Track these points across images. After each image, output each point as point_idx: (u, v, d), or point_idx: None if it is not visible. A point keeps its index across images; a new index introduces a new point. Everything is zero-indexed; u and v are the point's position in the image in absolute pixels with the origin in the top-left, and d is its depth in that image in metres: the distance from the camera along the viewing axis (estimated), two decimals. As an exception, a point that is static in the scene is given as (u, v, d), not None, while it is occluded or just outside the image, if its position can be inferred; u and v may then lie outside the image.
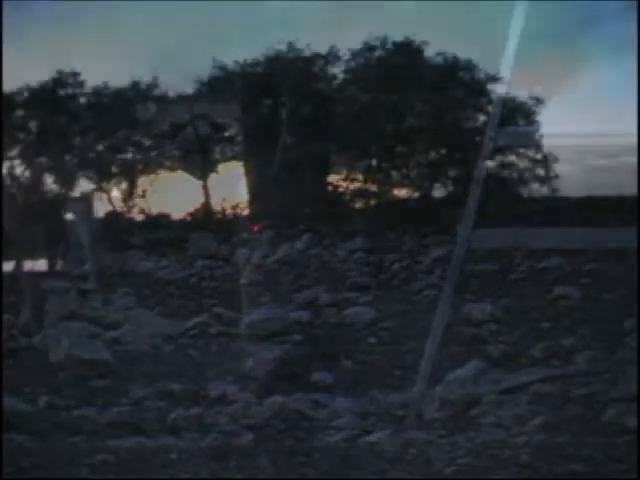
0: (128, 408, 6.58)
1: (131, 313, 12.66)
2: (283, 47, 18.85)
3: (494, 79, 18.77)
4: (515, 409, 6.42)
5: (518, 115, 18.85)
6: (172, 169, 21.42)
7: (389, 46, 18.84)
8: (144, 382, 7.67)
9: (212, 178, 20.26)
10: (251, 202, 18.50)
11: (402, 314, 12.58)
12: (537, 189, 19.34)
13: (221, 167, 19.97)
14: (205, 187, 20.38)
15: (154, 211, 21.90)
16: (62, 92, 23.09)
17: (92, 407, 6.63)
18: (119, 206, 22.75)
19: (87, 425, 6.03)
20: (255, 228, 16.16)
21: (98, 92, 23.26)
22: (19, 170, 23.70)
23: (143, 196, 21.91)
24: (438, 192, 20.08)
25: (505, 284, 15.78)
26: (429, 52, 18.85)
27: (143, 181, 21.77)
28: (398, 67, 18.55)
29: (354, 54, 18.99)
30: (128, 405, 6.72)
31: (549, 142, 18.77)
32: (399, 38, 18.86)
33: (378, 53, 18.93)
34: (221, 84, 18.73)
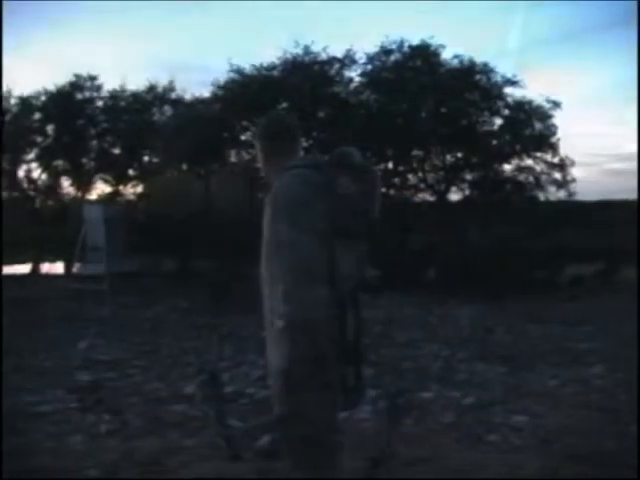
0: (143, 409, 6.60)
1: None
2: (299, 50, 18.88)
3: (511, 82, 18.78)
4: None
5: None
6: (186, 172, 21.46)
7: (405, 49, 18.81)
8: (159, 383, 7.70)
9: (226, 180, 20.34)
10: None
11: (412, 316, 12.60)
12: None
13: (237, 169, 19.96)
14: (219, 190, 20.42)
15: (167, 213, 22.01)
16: (79, 95, 23.24)
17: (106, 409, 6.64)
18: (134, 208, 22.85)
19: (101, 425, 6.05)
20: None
21: (115, 96, 23.40)
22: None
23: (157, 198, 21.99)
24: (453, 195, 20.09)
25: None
26: (446, 55, 18.83)
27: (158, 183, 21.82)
28: (414, 70, 18.54)
29: (370, 57, 18.97)
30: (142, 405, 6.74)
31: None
32: (415, 41, 18.86)
33: (394, 56, 18.89)
34: (237, 87, 18.73)
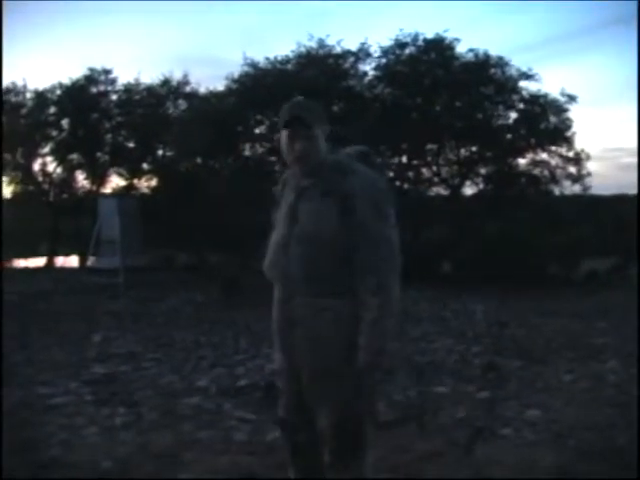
0: (157, 402, 6.61)
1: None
2: (314, 44, 18.91)
3: (526, 76, 18.70)
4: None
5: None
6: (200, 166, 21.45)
7: (420, 43, 18.76)
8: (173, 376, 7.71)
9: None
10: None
11: (426, 311, 12.57)
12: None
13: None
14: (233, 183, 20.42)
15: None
16: (94, 89, 23.32)
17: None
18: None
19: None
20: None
21: (130, 89, 23.47)
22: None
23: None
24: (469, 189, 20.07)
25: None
26: (460, 48, 18.77)
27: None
28: (429, 63, 18.51)
29: (385, 51, 18.94)
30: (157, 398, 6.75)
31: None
32: (430, 34, 18.82)
33: (409, 50, 18.86)
34: (251, 81, 18.74)
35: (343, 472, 3.34)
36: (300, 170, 3.39)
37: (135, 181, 23.77)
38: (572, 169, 19.04)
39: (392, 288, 3.22)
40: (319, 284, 3.26)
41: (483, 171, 19.84)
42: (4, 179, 23.49)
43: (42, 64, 45.32)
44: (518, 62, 19.65)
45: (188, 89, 23.55)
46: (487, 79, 18.71)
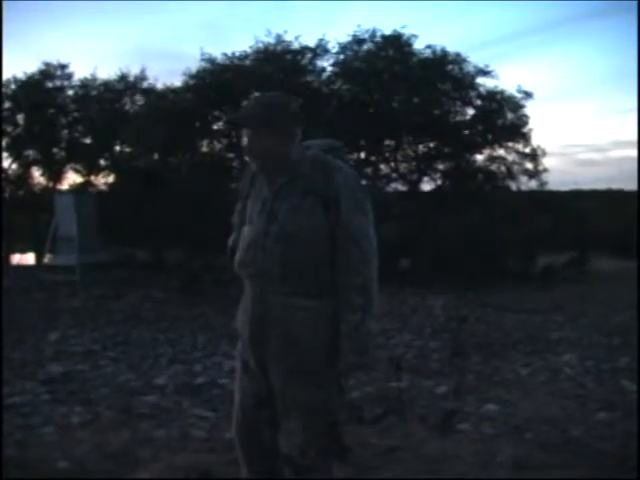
0: (115, 400, 6.56)
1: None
2: (272, 39, 18.86)
3: (483, 72, 18.82)
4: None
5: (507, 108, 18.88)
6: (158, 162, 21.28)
7: (378, 39, 18.78)
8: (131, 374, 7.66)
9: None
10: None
11: (385, 306, 12.62)
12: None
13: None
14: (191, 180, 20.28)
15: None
16: (49, 84, 23.04)
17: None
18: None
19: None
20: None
21: (86, 84, 23.21)
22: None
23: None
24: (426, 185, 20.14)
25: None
26: (418, 45, 18.80)
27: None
28: (386, 59, 18.53)
29: (343, 47, 18.94)
30: (114, 396, 6.70)
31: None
32: (388, 31, 18.83)
33: (367, 46, 18.88)
34: (209, 76, 18.63)
35: (313, 472, 3.31)
36: (274, 168, 3.28)
37: (92, 177, 23.53)
38: (529, 165, 19.23)
39: (374, 287, 3.21)
40: (296, 283, 3.20)
41: (441, 167, 19.94)
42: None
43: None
44: (475, 59, 19.78)
45: (145, 84, 23.32)
46: (444, 75, 18.79)
